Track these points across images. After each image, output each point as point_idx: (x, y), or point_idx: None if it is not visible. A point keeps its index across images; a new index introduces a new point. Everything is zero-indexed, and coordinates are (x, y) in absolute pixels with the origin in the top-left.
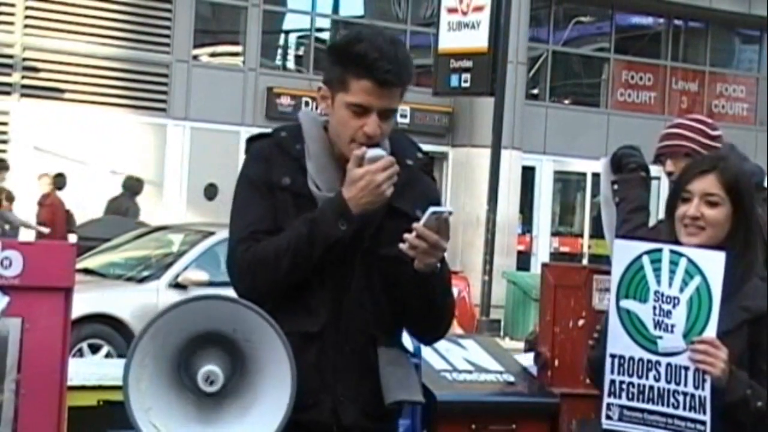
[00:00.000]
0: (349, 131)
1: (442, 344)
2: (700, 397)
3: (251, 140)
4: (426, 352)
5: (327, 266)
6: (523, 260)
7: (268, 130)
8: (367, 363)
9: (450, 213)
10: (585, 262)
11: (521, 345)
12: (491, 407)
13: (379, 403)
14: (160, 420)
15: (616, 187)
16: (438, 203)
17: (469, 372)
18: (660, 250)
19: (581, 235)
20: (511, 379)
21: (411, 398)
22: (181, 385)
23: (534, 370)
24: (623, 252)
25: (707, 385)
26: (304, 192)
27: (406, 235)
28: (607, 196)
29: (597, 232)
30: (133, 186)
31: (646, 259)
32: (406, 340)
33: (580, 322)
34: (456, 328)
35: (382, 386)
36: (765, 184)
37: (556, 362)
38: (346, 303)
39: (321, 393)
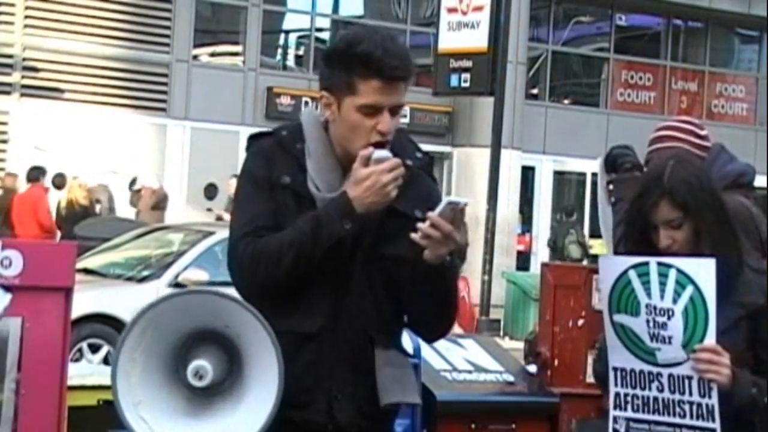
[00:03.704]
0: (363, 134)
1: (442, 344)
2: (707, 405)
3: (252, 138)
4: (426, 352)
5: (327, 267)
6: (523, 260)
7: (269, 129)
8: (364, 363)
9: (466, 204)
10: (585, 261)
11: (521, 345)
12: (491, 407)
13: (376, 403)
14: (150, 414)
15: (611, 187)
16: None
17: (469, 372)
18: (647, 264)
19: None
20: (511, 378)
21: (407, 400)
22: (176, 381)
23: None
24: (608, 267)
25: (714, 393)
26: (303, 192)
27: (420, 224)
28: (603, 196)
29: (597, 232)
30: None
31: (632, 273)
32: (406, 341)
33: (580, 322)
34: (456, 328)
35: (378, 387)
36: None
37: (556, 362)
38: (345, 304)
39: (316, 392)
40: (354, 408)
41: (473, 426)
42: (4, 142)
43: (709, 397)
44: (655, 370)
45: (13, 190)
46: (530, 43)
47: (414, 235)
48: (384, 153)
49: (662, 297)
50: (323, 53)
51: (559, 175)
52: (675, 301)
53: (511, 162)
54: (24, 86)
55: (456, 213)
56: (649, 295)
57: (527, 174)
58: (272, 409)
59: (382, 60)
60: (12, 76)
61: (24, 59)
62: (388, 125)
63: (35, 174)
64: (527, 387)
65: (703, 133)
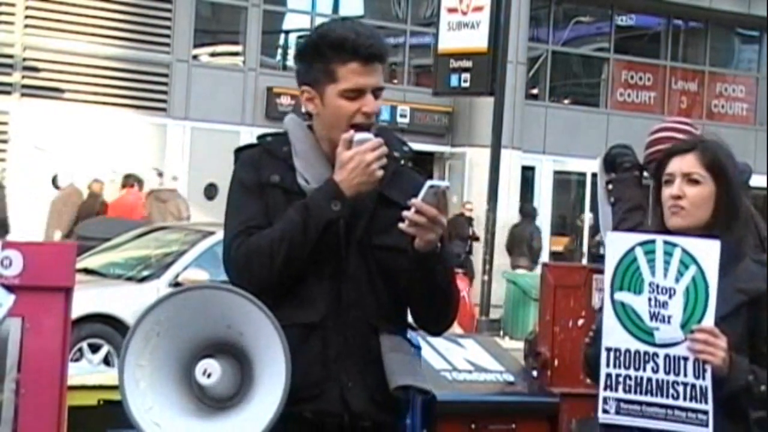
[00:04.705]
0: (347, 118)
1: (442, 344)
2: (700, 386)
3: (238, 150)
4: (426, 351)
5: (323, 257)
6: None
7: (254, 141)
8: (371, 351)
9: (447, 187)
10: (585, 261)
11: (521, 345)
12: (491, 407)
13: (387, 391)
14: (162, 418)
15: (610, 187)
16: None
17: (469, 372)
18: (653, 241)
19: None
20: (511, 379)
21: (417, 384)
22: (186, 386)
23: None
24: (616, 244)
25: (708, 375)
26: (293, 188)
27: (405, 213)
28: (602, 195)
29: (597, 232)
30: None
31: (639, 251)
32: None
33: (580, 322)
34: (456, 328)
35: (386, 372)
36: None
37: (556, 362)
38: (344, 292)
39: (326, 382)
40: (367, 395)
41: (473, 426)
42: (4, 142)
43: (703, 378)
44: (651, 350)
45: (99, 196)
46: (530, 43)
47: (402, 225)
48: (365, 135)
49: (665, 275)
50: (297, 50)
51: (559, 175)
52: (677, 281)
53: (511, 162)
54: (24, 86)
55: (439, 196)
56: (653, 273)
57: (527, 174)
58: (281, 398)
59: (356, 41)
60: (12, 76)
61: (24, 59)
62: (372, 106)
63: (130, 181)
64: (527, 387)
65: (697, 132)
